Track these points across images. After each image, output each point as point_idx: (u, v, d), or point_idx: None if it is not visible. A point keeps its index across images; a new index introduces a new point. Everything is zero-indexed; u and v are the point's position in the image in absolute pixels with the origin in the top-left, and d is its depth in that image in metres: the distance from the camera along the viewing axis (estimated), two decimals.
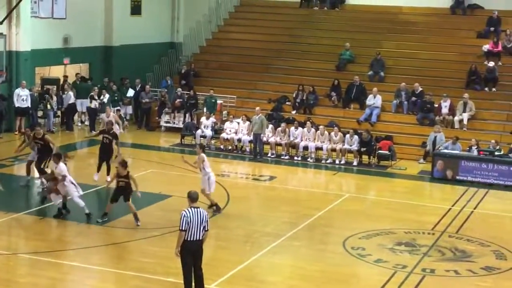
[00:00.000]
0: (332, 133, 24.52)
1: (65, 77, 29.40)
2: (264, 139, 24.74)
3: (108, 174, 19.81)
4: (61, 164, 16.66)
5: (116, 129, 21.94)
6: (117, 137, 20.45)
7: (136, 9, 32.91)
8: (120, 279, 13.47)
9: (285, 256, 15.18)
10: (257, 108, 25.41)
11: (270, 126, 25.35)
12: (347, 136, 24.31)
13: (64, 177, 16.50)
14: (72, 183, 16.72)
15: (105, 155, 20.08)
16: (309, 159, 24.48)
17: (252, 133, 24.69)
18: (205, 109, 27.64)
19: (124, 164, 16.75)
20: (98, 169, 20.09)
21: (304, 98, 27.87)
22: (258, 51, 31.93)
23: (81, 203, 16.75)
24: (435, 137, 24.12)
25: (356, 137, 24.23)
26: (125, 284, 13.20)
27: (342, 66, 29.89)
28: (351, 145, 24.19)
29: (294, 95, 28.08)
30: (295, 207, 19.08)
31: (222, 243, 15.41)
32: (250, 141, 25.09)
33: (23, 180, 19.55)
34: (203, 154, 17.86)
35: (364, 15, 32.81)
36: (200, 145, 18.87)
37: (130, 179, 16.65)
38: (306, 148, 24.65)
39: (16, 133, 25.42)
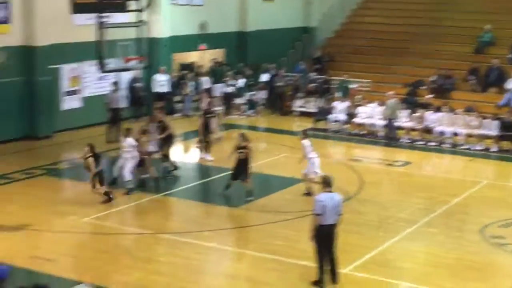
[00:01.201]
0: (470, 118, 23.76)
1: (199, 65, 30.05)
2: (398, 123, 24.33)
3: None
4: (128, 139, 17.57)
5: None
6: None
7: None
8: (255, 262, 13.68)
9: (420, 242, 14.92)
10: (390, 92, 25.02)
11: (406, 111, 24.88)
12: (486, 121, 23.48)
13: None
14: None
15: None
16: (445, 145, 23.87)
17: (385, 118, 24.35)
18: (338, 94, 27.50)
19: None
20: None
21: (441, 82, 27.14)
22: (394, 35, 31.38)
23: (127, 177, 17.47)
24: None
25: (496, 122, 23.34)
26: (260, 266, 13.39)
27: (481, 49, 28.86)
28: (490, 130, 23.34)
29: (430, 79, 27.42)
30: (430, 193, 18.68)
31: (355, 228, 15.32)
32: (384, 126, 24.75)
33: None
34: (304, 141, 17.83)
35: None
36: (303, 132, 18.87)
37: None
38: (442, 133, 24.03)
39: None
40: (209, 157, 20.86)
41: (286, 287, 12.53)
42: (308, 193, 17.51)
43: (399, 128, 24.48)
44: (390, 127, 24.21)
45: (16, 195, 16.87)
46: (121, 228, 15.33)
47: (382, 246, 14.44)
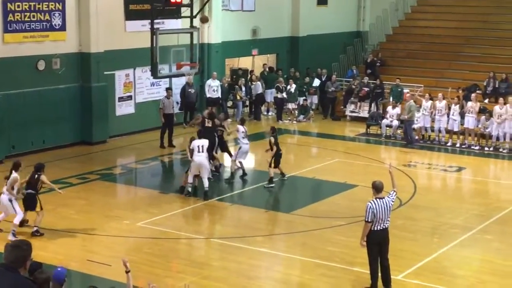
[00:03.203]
0: None
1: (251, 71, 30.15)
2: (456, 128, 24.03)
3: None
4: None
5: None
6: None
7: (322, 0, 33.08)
8: (306, 267, 13.63)
9: (476, 249, 14.67)
10: (408, 94, 25.29)
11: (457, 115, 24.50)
12: None
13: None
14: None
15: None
16: (501, 150, 23.43)
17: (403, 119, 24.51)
18: (391, 98, 27.27)
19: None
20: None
21: (496, 86, 26.68)
22: (447, 38, 30.99)
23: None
24: None
25: None
26: (312, 271, 13.34)
27: None
28: None
29: (485, 83, 26.97)
30: (485, 199, 18.37)
31: (409, 234, 15.15)
32: (401, 127, 24.84)
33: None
34: (238, 126, 19.73)
35: None
36: (241, 119, 20.63)
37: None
38: (498, 138, 23.60)
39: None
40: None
41: None
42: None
43: (453, 132, 24.13)
44: (407, 128, 24.02)
45: (71, 200, 17.13)
46: (174, 232, 15.43)
47: (436, 253, 14.24)
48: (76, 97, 23.28)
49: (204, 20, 23.27)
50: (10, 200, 14.58)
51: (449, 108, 24.31)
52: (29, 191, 14.77)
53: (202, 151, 17.55)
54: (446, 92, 25.13)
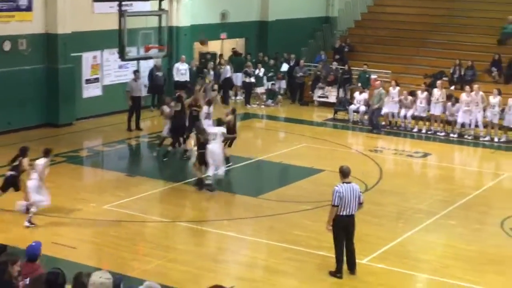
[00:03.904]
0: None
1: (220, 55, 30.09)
2: (423, 114, 24.24)
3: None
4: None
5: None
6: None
7: None
8: (273, 251, 13.70)
9: (440, 234, 14.86)
10: (377, 81, 25.32)
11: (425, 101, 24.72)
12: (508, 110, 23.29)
13: None
14: None
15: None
16: (466, 136, 23.71)
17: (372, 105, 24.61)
18: (359, 84, 27.42)
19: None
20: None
21: (462, 73, 26.96)
22: (415, 25, 31.19)
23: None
24: None
25: None
26: (278, 255, 13.41)
27: (504, 40, 28.61)
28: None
29: (451, 71, 27.23)
30: (450, 185, 18.60)
31: (374, 219, 15.29)
32: (368, 113, 24.94)
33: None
34: (205, 106, 19.61)
35: None
36: (207, 100, 20.46)
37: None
38: (463, 125, 23.86)
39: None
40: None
41: (304, 276, 12.54)
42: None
43: (424, 118, 24.35)
44: (376, 114, 24.29)
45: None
46: (140, 215, 15.40)
47: (401, 238, 14.41)
48: (42, 79, 23.04)
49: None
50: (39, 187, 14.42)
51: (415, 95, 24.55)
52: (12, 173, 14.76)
53: (215, 139, 17.09)
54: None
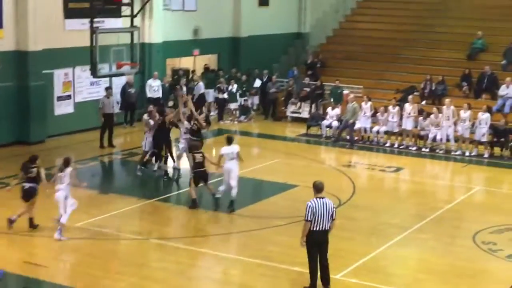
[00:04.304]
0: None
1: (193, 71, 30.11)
2: (396, 130, 24.43)
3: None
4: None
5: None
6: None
7: (263, 0, 33.17)
8: (247, 267, 13.67)
9: (412, 249, 14.95)
10: (351, 95, 25.55)
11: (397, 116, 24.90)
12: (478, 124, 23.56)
13: None
14: None
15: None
16: (438, 151, 23.92)
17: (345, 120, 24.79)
18: (331, 99, 27.56)
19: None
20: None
21: (433, 88, 27.23)
22: (386, 41, 31.48)
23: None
24: None
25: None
26: (252, 272, 13.39)
27: (473, 55, 28.99)
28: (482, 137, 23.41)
29: (422, 85, 27.48)
30: (422, 199, 18.72)
31: (348, 234, 15.33)
32: (341, 128, 25.10)
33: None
34: (186, 122, 19.26)
35: (498, 2, 31.63)
36: (188, 116, 19.58)
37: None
38: (434, 139, 24.07)
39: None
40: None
41: None
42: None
43: (397, 133, 24.52)
44: (350, 129, 24.53)
45: (8, 200, 16.77)
46: (114, 233, 15.29)
47: (374, 252, 14.45)
48: (13, 96, 22.86)
49: None
50: (66, 198, 14.70)
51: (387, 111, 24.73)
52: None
53: (233, 159, 16.95)
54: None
